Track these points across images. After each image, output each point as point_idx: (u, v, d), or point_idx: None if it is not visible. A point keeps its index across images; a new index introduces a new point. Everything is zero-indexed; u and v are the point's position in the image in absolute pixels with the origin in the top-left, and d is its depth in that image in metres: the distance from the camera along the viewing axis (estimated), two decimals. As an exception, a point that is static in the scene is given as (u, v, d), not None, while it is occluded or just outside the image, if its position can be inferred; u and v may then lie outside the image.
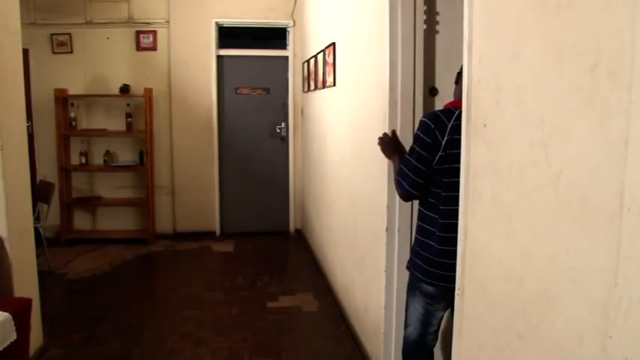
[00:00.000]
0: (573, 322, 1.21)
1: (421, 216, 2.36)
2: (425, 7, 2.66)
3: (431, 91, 2.72)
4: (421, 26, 2.66)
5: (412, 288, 2.42)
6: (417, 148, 2.22)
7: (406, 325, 2.48)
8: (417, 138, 2.24)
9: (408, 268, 2.46)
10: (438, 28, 2.70)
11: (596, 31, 1.13)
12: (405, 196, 2.37)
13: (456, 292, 1.88)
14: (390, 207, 2.78)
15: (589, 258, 1.16)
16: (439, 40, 2.71)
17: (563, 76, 1.24)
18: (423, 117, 2.28)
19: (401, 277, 2.80)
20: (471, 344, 1.78)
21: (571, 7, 1.22)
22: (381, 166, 2.85)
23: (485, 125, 1.65)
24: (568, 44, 1.22)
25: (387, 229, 2.80)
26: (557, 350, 1.27)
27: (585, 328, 1.16)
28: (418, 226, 2.39)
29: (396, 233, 2.79)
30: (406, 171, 2.27)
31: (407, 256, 2.78)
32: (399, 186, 2.34)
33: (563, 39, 1.24)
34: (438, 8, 2.68)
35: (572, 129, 1.21)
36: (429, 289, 2.31)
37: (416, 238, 2.40)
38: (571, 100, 1.21)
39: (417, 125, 2.68)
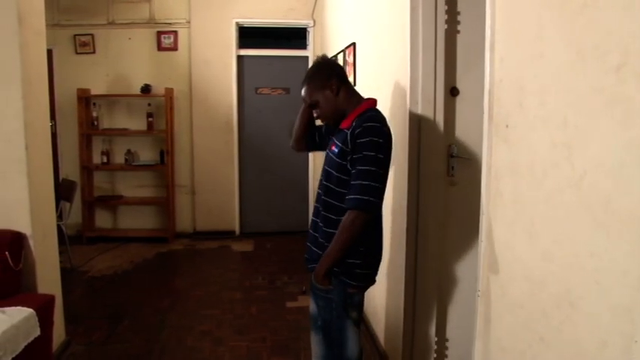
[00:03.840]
0: (597, 325, 1.19)
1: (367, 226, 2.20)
2: (446, 7, 2.64)
3: (452, 92, 2.71)
4: (442, 26, 2.65)
5: (346, 308, 2.27)
6: (381, 155, 2.13)
7: (345, 351, 2.30)
8: (378, 145, 2.11)
9: (328, 289, 2.25)
10: (459, 28, 2.68)
11: (622, 30, 1.11)
12: (372, 216, 2.19)
13: (477, 293, 1.87)
14: (410, 207, 2.77)
15: (613, 261, 1.14)
16: (460, 40, 2.69)
17: (587, 76, 1.23)
18: (372, 122, 2.14)
19: (421, 277, 2.79)
20: (492, 347, 1.77)
21: (595, 7, 1.20)
22: (401, 166, 2.84)
23: (507, 126, 1.64)
24: (592, 44, 1.21)
25: (406, 229, 2.79)
26: (580, 354, 1.25)
27: (609, 332, 1.15)
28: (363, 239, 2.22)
29: (416, 234, 2.77)
30: (376, 185, 2.12)
31: (427, 257, 2.77)
32: (366, 212, 2.13)
33: (587, 38, 1.23)
34: (460, 8, 2.66)
35: (596, 129, 1.20)
36: (361, 297, 2.35)
37: (356, 250, 2.22)
38: (595, 100, 1.20)
39: (438, 125, 2.67)
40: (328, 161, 2.30)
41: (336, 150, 2.22)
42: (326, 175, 2.30)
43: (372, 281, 2.36)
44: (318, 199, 2.39)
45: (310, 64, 6.40)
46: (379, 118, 2.22)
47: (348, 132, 2.17)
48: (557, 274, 1.35)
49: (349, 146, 2.15)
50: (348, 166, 2.17)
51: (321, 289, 2.27)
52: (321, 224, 2.31)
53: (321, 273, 2.23)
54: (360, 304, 2.35)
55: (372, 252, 2.32)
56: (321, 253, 2.28)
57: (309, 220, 2.47)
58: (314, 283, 2.31)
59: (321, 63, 2.44)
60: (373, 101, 2.34)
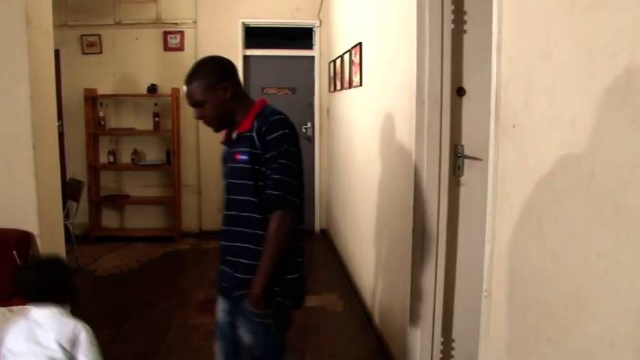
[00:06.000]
0: (606, 327, 1.18)
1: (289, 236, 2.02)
2: (453, 7, 2.63)
3: (458, 92, 2.70)
4: (449, 26, 2.64)
5: (283, 330, 2.17)
6: (293, 149, 1.99)
7: None
8: (290, 137, 1.98)
9: (267, 313, 2.05)
10: (465, 27, 2.67)
11: (632, 29, 1.10)
12: (298, 216, 2.03)
13: (483, 294, 1.86)
14: (416, 208, 2.76)
15: (622, 262, 1.13)
16: (467, 39, 2.68)
17: (595, 75, 1.22)
18: (277, 115, 2.00)
19: (427, 278, 2.78)
20: (498, 348, 1.76)
21: (604, 5, 1.19)
22: (407, 167, 2.84)
23: (514, 126, 1.63)
24: (601, 43, 1.20)
25: (413, 230, 2.78)
26: (589, 355, 1.24)
27: (618, 334, 1.14)
28: (287, 249, 2.04)
29: (422, 234, 2.77)
30: (293, 182, 1.97)
31: (433, 257, 2.76)
32: (290, 210, 1.99)
33: (596, 38, 1.22)
34: (466, 8, 2.66)
35: (605, 130, 1.19)
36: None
37: (293, 263, 2.10)
38: (604, 100, 1.19)
39: (450, 125, 2.66)
40: (237, 173, 2.05)
41: (246, 157, 2.00)
42: (240, 189, 2.04)
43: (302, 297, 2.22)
44: (231, 221, 2.12)
45: (317, 63, 6.44)
46: (280, 111, 2.05)
47: (253, 133, 1.99)
48: (566, 275, 1.34)
49: (259, 147, 1.98)
50: (263, 169, 1.99)
51: (258, 314, 2.04)
52: (247, 245, 2.06)
53: (258, 294, 1.99)
54: (290, 323, 2.24)
55: (303, 264, 2.16)
56: (250, 277, 2.02)
57: (225, 244, 2.20)
58: (249, 309, 2.04)
59: (213, 59, 2.18)
60: (265, 100, 2.13)
